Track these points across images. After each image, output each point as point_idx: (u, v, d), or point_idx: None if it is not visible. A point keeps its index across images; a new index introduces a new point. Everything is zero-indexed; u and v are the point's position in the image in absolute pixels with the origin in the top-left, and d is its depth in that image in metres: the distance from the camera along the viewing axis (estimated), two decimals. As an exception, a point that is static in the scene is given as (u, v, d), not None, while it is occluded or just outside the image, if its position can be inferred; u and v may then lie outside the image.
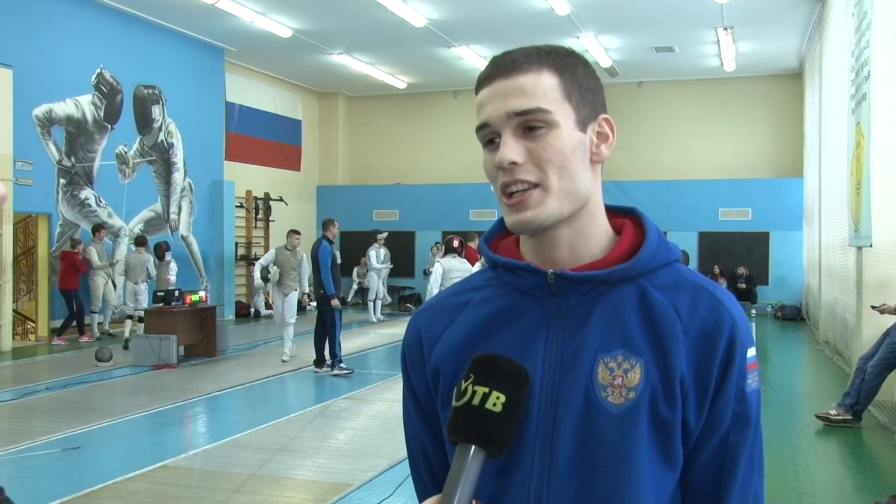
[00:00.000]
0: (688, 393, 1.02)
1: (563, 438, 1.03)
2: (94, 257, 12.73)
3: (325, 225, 10.10)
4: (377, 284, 16.53)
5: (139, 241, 12.76)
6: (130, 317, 12.17)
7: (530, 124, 1.03)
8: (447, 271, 8.20)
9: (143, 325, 11.23)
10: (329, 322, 9.71)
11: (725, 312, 1.05)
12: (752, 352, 1.05)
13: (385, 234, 17.13)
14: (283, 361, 10.47)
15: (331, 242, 9.84)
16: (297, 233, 10.69)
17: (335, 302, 9.62)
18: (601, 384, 1.03)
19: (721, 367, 1.03)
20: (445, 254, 8.64)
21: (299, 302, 10.92)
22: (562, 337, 1.06)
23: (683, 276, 1.09)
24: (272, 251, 10.71)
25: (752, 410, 1.05)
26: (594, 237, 1.10)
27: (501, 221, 1.14)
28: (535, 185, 1.03)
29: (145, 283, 12.24)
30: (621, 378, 1.02)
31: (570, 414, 1.03)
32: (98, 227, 13.06)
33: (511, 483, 1.05)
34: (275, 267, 10.56)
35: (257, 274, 11.05)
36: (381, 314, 16.49)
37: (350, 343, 11.40)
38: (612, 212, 1.15)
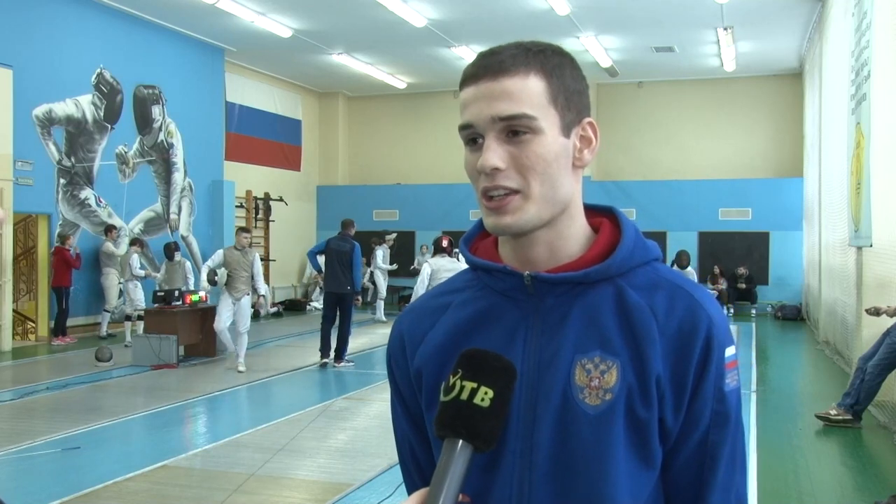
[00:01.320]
0: (664, 393, 1.03)
1: (542, 439, 1.04)
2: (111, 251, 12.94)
3: (349, 225, 10.31)
4: (383, 284, 16.61)
5: (130, 242, 13.06)
6: (129, 317, 12.17)
7: (515, 129, 1.02)
8: (435, 271, 8.07)
9: (141, 323, 11.24)
10: (348, 318, 10.27)
11: (702, 312, 1.05)
12: (730, 351, 1.05)
13: (394, 235, 17.24)
14: (240, 372, 9.65)
15: None
16: (247, 230, 10.23)
17: (358, 299, 10.42)
18: (578, 386, 1.03)
19: (698, 367, 1.03)
20: (435, 253, 8.46)
21: (300, 303, 10.91)
22: (540, 338, 1.07)
23: (661, 275, 1.09)
24: (219, 252, 10.01)
25: (732, 409, 1.05)
26: (573, 238, 1.10)
27: (481, 222, 1.14)
28: (516, 192, 1.03)
29: (133, 283, 12.24)
30: (598, 380, 1.03)
31: (549, 415, 1.04)
32: (110, 228, 13.13)
33: (495, 481, 1.06)
34: (223, 269, 9.85)
35: (203, 277, 10.09)
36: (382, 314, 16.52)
37: (352, 342, 11.34)
38: (591, 211, 1.15)
